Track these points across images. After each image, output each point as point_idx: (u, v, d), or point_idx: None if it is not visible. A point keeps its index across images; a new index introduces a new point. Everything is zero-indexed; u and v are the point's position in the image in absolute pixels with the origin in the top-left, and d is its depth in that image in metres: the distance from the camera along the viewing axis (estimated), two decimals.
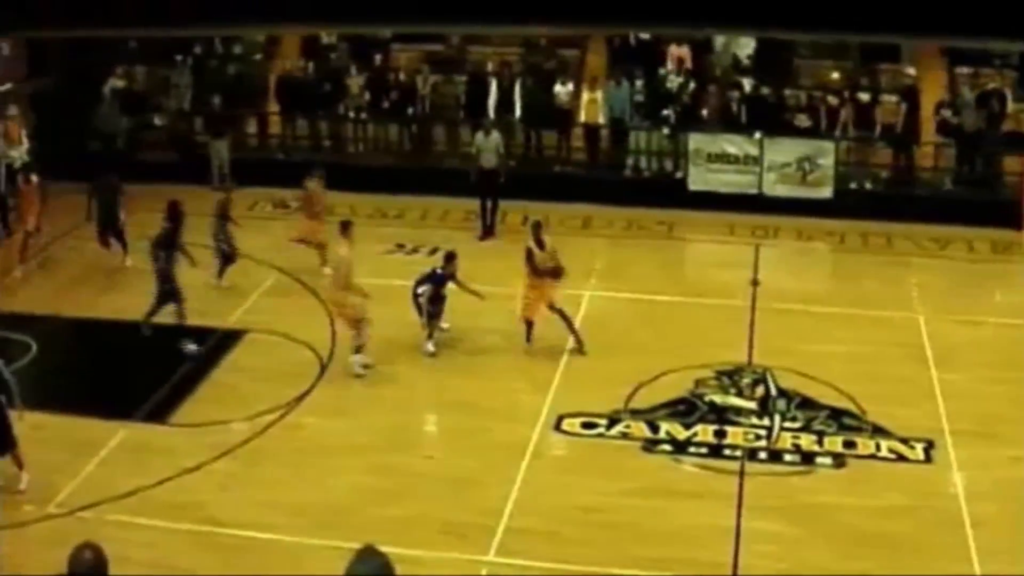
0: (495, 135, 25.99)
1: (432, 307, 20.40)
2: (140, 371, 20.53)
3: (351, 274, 20.11)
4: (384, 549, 6.83)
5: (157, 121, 29.77)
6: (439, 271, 20.57)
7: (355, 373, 19.89)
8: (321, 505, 16.79)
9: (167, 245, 21.04)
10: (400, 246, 25.03)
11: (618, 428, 18.51)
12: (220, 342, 21.12)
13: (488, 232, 25.78)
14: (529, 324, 20.59)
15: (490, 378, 19.99)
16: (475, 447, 18.11)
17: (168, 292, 20.98)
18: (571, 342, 20.70)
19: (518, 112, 28.38)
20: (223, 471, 17.69)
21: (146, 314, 21.04)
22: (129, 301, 22.47)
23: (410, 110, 28.91)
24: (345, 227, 20.55)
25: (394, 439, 18.26)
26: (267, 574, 15.30)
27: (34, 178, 24.50)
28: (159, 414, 19.10)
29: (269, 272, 23.64)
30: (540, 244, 20.54)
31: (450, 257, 20.76)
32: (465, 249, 22.43)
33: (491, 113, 27.87)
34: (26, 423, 17.10)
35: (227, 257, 23.18)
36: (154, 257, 21.02)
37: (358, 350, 19.98)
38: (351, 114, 29.08)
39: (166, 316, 21.14)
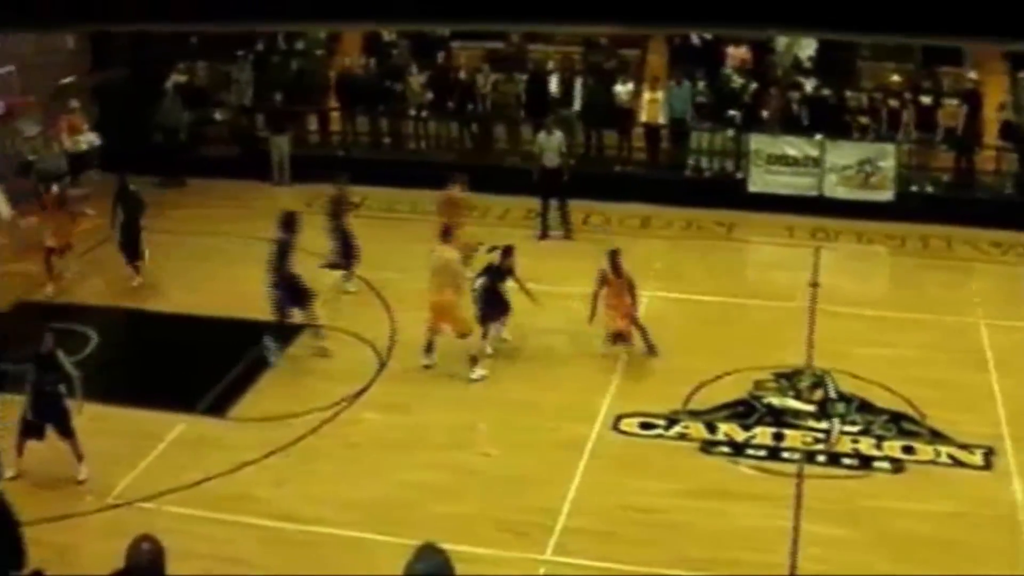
0: (557, 134, 25.96)
1: (488, 307, 20.34)
2: (200, 364, 20.69)
3: (460, 279, 20.16)
4: (442, 546, 6.86)
5: (218, 116, 29.94)
6: (496, 266, 20.55)
7: (472, 378, 19.94)
8: (379, 501, 16.86)
9: (284, 254, 20.32)
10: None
11: (676, 429, 18.49)
12: (282, 337, 21.10)
13: (547, 232, 25.74)
14: (620, 335, 20.49)
15: (549, 377, 19.98)
16: (533, 445, 18.11)
17: (303, 294, 20.57)
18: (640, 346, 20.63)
19: (578, 109, 28.36)
20: (281, 466, 17.79)
21: (307, 317, 20.83)
22: (190, 294, 22.66)
23: (470, 108, 28.95)
24: (446, 232, 20.56)
25: (452, 437, 18.29)
26: (324, 570, 15.37)
27: (55, 188, 23.45)
28: (218, 408, 19.25)
29: (326, 269, 23.64)
30: (617, 270, 20.32)
31: (507, 252, 20.67)
32: (525, 248, 22.43)
33: (552, 112, 27.82)
34: (86, 414, 17.25)
35: (347, 255, 22.81)
36: (275, 267, 20.26)
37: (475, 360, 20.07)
38: (412, 112, 29.13)
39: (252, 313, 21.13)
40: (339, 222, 22.74)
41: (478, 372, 19.92)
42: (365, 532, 16.21)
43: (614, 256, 20.38)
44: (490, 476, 17.46)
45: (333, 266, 22.72)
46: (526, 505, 16.68)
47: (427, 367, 20.12)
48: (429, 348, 20.14)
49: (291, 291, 20.26)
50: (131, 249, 23.44)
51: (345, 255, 22.73)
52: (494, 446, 18.49)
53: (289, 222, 20.29)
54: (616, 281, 20.21)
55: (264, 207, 26.92)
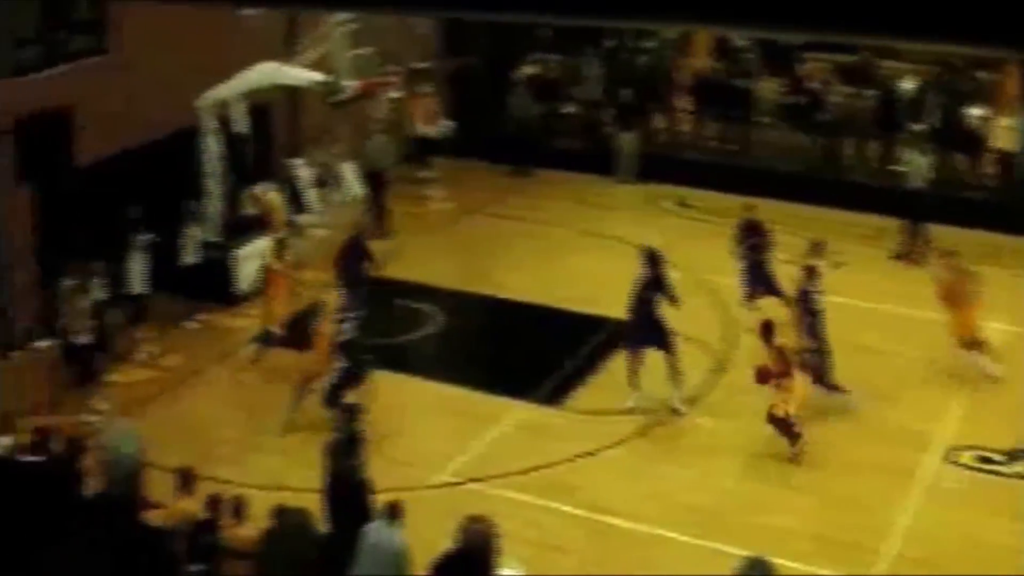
0: (924, 155, 25.32)
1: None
2: (537, 353, 21.07)
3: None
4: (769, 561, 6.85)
5: (567, 110, 30.29)
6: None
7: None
8: (703, 506, 16.93)
9: (654, 289, 19.28)
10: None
11: (1019, 466, 17.94)
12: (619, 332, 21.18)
13: (907, 254, 25.05)
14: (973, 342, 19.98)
15: (887, 400, 19.52)
16: (860, 466, 17.85)
17: (662, 334, 19.30)
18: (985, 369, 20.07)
19: (928, 129, 27.72)
20: (612, 460, 18.01)
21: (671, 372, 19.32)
22: (524, 282, 23.05)
23: (819, 118, 28.61)
24: (816, 247, 20.39)
25: (781, 448, 18.14)
26: (644, 569, 15.55)
27: (288, 257, 21.27)
28: (555, 397, 19.56)
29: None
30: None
31: (652, 258, 19.46)
32: (872, 266, 22.12)
33: (908, 130, 27.20)
34: (429, 393, 17.73)
35: (756, 278, 21.83)
36: (642, 299, 19.25)
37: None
38: (763, 119, 28.96)
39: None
40: (748, 251, 22.01)
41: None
42: (685, 535, 16.31)
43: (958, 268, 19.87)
44: (814, 492, 17.32)
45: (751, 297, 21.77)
46: (848, 525, 16.48)
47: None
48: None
49: (650, 330, 19.27)
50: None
51: (757, 283, 21.80)
52: (818, 463, 18.25)
53: (653, 258, 19.36)
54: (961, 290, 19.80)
55: (606, 203, 27.30)
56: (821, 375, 18.95)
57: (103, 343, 19.64)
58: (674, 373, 19.07)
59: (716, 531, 16.23)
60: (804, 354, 18.76)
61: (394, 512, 13.60)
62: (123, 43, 21.98)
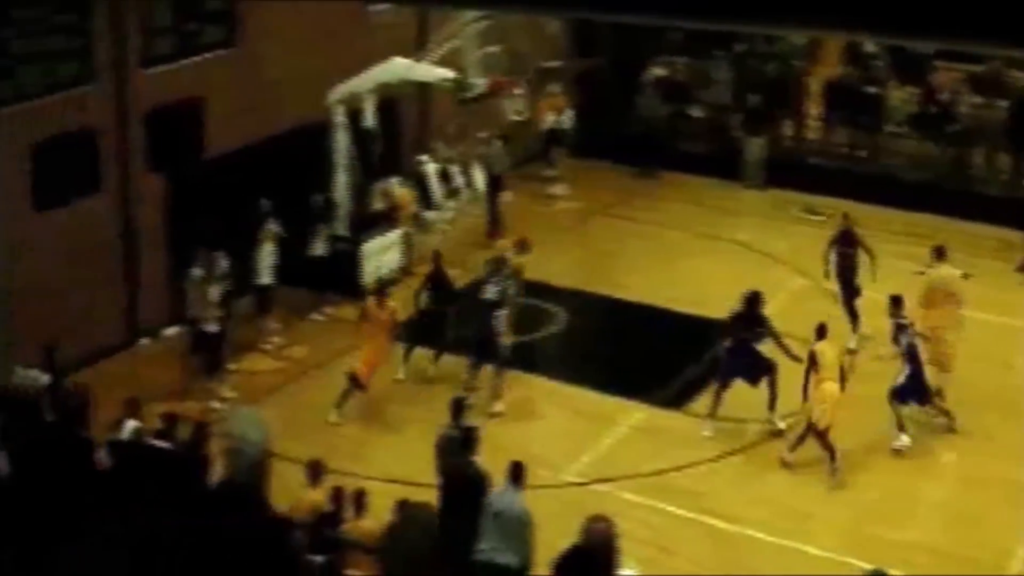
0: None
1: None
2: (659, 356, 21.05)
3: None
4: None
5: (695, 113, 30.17)
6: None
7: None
8: (825, 516, 16.87)
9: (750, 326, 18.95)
10: (931, 267, 24.24)
11: None
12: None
13: None
14: None
15: (1017, 415, 19.01)
16: (986, 483, 17.61)
17: (758, 368, 18.88)
18: None
19: None
20: (734, 467, 17.97)
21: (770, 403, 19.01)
22: (654, 284, 23.01)
23: (949, 128, 28.22)
24: (939, 252, 20.14)
25: (901, 462, 17.92)
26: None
27: (390, 302, 19.84)
28: (677, 401, 19.53)
29: (792, 275, 23.52)
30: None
31: (753, 299, 18.96)
32: (998, 280, 21.82)
33: None
34: (550, 391, 17.76)
35: (848, 291, 21.35)
36: (736, 336, 18.95)
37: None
38: (894, 128, 28.61)
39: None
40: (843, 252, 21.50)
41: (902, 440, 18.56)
42: (807, 545, 16.23)
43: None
44: (940, 506, 17.15)
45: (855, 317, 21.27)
46: (972, 541, 16.28)
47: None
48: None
49: (746, 361, 18.90)
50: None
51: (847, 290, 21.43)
52: (945, 477, 18.06)
53: (752, 301, 18.89)
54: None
55: (731, 207, 27.14)
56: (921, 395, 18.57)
57: (230, 332, 19.88)
58: (772, 400, 18.79)
59: (838, 542, 16.14)
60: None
61: (517, 474, 13.67)
62: (253, 36, 22.27)
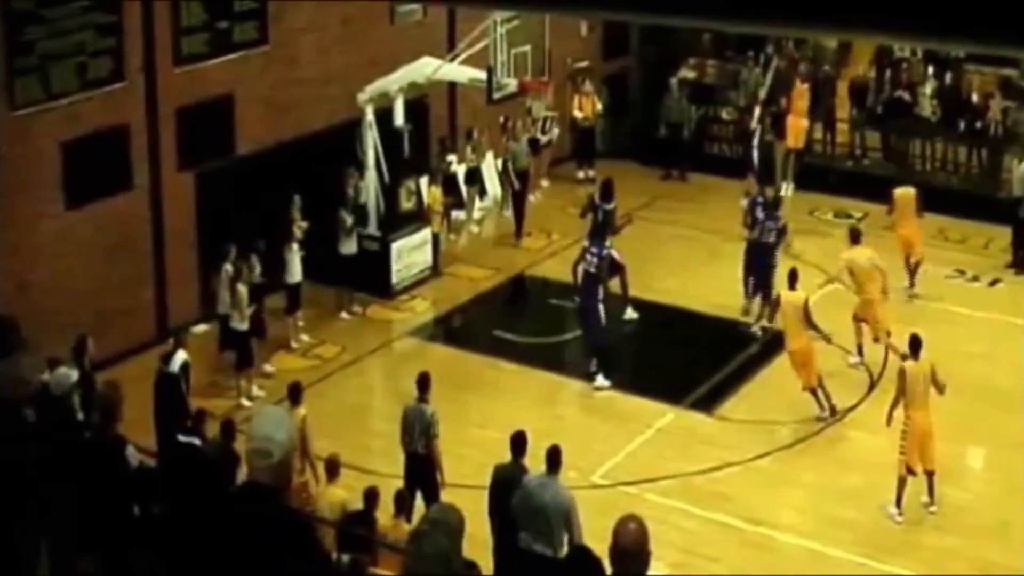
0: None
1: None
2: (688, 358, 21.03)
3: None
4: None
5: (724, 115, 30.10)
6: None
7: None
8: (857, 522, 16.75)
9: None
10: (960, 272, 24.13)
11: None
12: (773, 343, 20.86)
13: None
14: None
15: None
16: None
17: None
18: None
19: None
20: (763, 470, 17.89)
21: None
22: (674, 286, 22.93)
23: (979, 132, 28.09)
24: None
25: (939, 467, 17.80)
26: None
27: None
28: (706, 404, 19.48)
29: (821, 279, 23.37)
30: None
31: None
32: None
33: None
34: (579, 393, 17.73)
35: None
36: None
37: None
38: (923, 132, 28.47)
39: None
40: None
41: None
42: (837, 550, 16.18)
43: None
44: (974, 513, 17.00)
45: None
46: (1012, 549, 16.10)
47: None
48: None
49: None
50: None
51: None
52: (979, 483, 17.95)
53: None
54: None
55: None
56: None
57: (260, 329, 19.89)
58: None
59: (869, 548, 16.09)
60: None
61: (554, 460, 13.62)
62: (284, 35, 22.31)
